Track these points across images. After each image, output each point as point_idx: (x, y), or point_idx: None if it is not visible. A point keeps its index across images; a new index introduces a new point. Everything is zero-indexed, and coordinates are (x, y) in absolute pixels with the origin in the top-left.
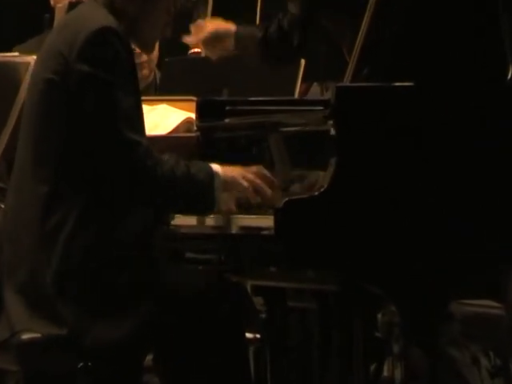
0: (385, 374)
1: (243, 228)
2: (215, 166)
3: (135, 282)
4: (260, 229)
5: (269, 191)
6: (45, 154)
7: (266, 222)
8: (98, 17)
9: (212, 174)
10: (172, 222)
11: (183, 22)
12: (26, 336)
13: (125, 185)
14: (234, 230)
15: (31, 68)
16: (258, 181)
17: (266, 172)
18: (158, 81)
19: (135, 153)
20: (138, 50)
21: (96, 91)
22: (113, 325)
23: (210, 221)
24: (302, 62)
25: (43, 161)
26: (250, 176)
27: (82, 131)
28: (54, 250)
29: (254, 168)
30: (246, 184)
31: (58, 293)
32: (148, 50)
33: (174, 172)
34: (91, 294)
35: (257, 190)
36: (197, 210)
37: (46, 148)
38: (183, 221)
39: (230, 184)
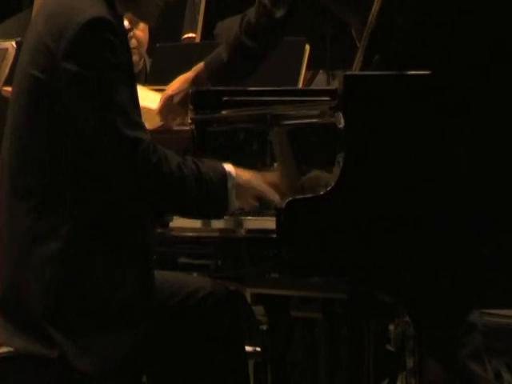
0: None
1: (242, 231)
2: (228, 166)
3: (131, 299)
4: (261, 231)
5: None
6: (30, 161)
7: (268, 223)
8: (87, 5)
9: (225, 174)
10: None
11: (176, 6)
12: (2, 350)
13: (126, 190)
14: (232, 233)
15: (9, 55)
16: (273, 193)
17: (281, 182)
18: (148, 68)
19: (138, 151)
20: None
21: (87, 91)
22: (107, 347)
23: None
24: (307, 47)
25: (28, 169)
26: (265, 191)
27: (74, 134)
28: (43, 266)
29: (269, 176)
30: (260, 192)
31: (47, 313)
32: (150, 21)
33: (181, 170)
34: (84, 314)
35: (268, 202)
36: (207, 213)
37: (32, 154)
38: (183, 223)
39: (243, 189)
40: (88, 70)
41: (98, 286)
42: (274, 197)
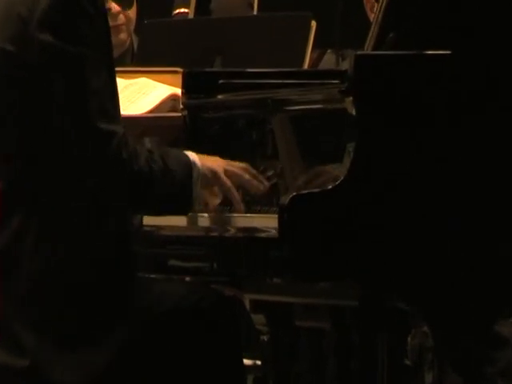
0: None
1: (240, 229)
2: (192, 155)
3: (111, 302)
4: (261, 230)
5: (260, 186)
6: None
7: (270, 221)
8: None
9: (190, 165)
10: (153, 223)
11: None
12: None
13: (96, 183)
14: (228, 232)
15: None
16: (246, 176)
17: (253, 170)
18: (135, 47)
19: (108, 146)
20: (114, 10)
21: (61, 68)
22: (86, 355)
23: (204, 221)
24: (313, 24)
25: None
26: (235, 170)
27: (45, 116)
28: (14, 262)
29: (239, 164)
30: (227, 182)
31: (19, 316)
32: (127, 4)
33: (150, 166)
34: (59, 319)
35: (243, 187)
36: (172, 209)
37: (0, 135)
38: (168, 221)
39: (208, 179)
40: (63, 42)
41: (74, 285)
42: (235, 194)
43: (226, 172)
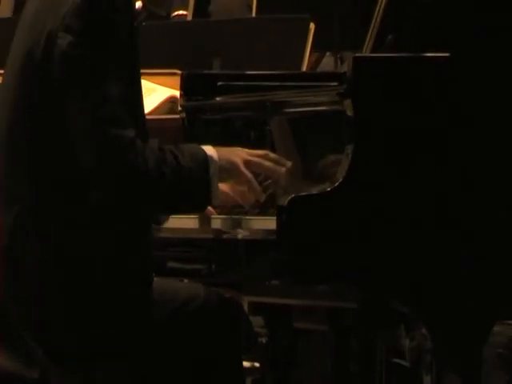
0: None
1: (239, 231)
2: (209, 150)
3: (127, 314)
4: (260, 232)
5: (281, 170)
6: (19, 147)
7: (268, 223)
8: None
9: (206, 160)
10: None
11: None
12: None
13: (103, 186)
14: (227, 234)
15: None
16: (266, 163)
17: (273, 155)
18: None
19: (115, 149)
20: None
21: (77, 73)
22: (99, 369)
23: (202, 223)
24: (312, 26)
25: (17, 155)
26: (254, 159)
27: (60, 121)
28: (22, 270)
29: (258, 152)
30: (247, 174)
31: (27, 326)
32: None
33: (160, 168)
34: (71, 330)
35: (265, 174)
36: (191, 207)
37: (20, 140)
38: (172, 223)
39: (227, 172)
40: (80, 48)
41: (89, 298)
42: (255, 185)
43: (245, 162)
